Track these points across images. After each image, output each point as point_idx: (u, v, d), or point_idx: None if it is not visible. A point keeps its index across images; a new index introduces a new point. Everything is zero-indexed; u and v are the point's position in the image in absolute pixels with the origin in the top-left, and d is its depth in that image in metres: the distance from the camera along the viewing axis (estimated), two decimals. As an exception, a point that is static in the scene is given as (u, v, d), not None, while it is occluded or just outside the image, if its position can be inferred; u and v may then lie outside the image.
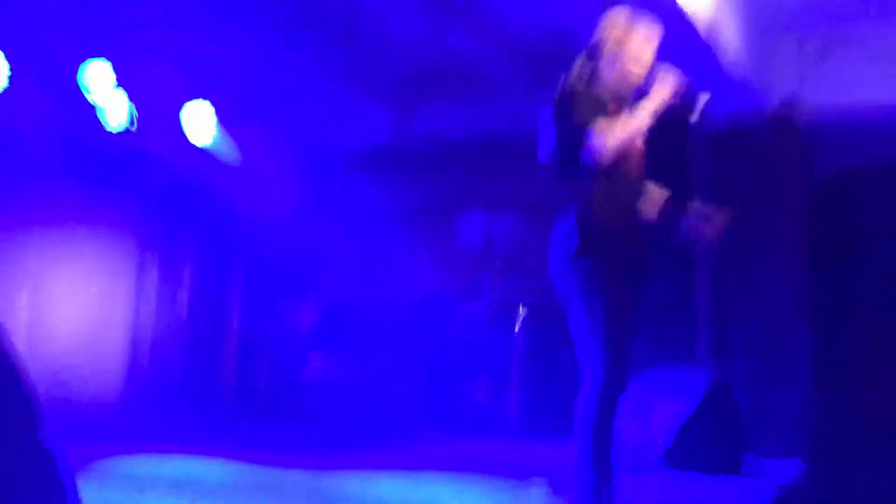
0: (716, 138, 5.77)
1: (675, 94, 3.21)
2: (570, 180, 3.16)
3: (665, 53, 3.59)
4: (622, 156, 3.13)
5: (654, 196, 3.33)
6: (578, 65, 3.32)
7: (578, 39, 3.55)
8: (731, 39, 5.43)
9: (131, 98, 6.42)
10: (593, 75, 3.28)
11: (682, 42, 4.83)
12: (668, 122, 3.35)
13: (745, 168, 6.24)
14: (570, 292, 3.09)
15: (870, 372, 5.13)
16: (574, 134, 3.08)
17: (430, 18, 6.04)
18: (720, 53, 5.40)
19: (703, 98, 3.31)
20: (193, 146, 7.13)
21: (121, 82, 6.29)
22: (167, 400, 7.11)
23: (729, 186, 5.74)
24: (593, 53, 3.32)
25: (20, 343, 2.57)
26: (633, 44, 3.31)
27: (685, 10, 4.73)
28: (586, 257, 3.07)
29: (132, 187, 7.06)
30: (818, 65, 6.26)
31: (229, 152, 7.44)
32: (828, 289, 5.40)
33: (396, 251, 7.81)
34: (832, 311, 5.46)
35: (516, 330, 6.38)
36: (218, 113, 7.18)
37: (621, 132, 3.08)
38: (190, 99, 6.93)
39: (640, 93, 3.27)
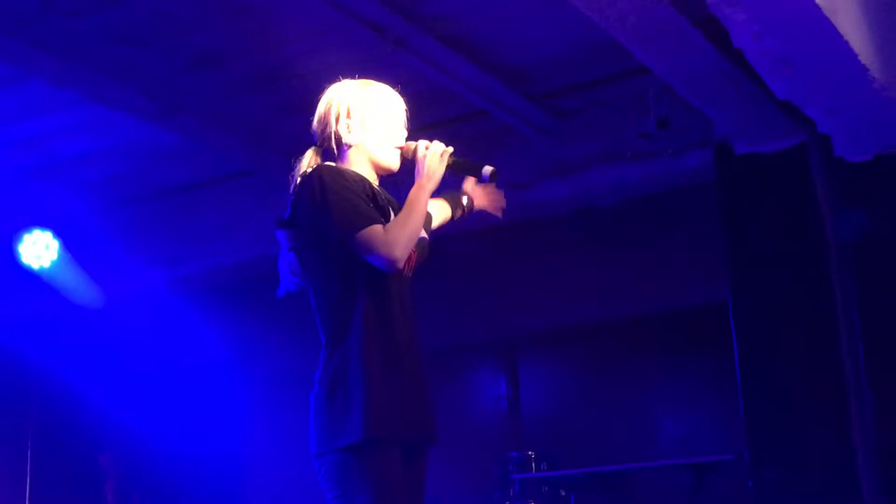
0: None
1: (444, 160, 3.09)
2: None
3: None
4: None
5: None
6: (309, 157, 3.15)
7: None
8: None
9: None
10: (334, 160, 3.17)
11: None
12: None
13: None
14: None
15: None
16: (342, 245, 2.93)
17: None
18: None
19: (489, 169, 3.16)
20: None
21: None
22: None
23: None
24: (323, 132, 3.16)
25: None
26: (381, 92, 3.21)
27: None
28: (370, 450, 2.86)
29: None
30: None
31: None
32: None
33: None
34: None
35: None
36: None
37: (405, 231, 2.94)
38: None
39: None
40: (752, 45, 4.41)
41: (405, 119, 3.21)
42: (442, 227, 3.63)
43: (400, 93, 3.34)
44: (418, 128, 3.50)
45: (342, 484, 2.82)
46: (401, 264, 2.90)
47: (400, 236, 2.90)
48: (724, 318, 5.56)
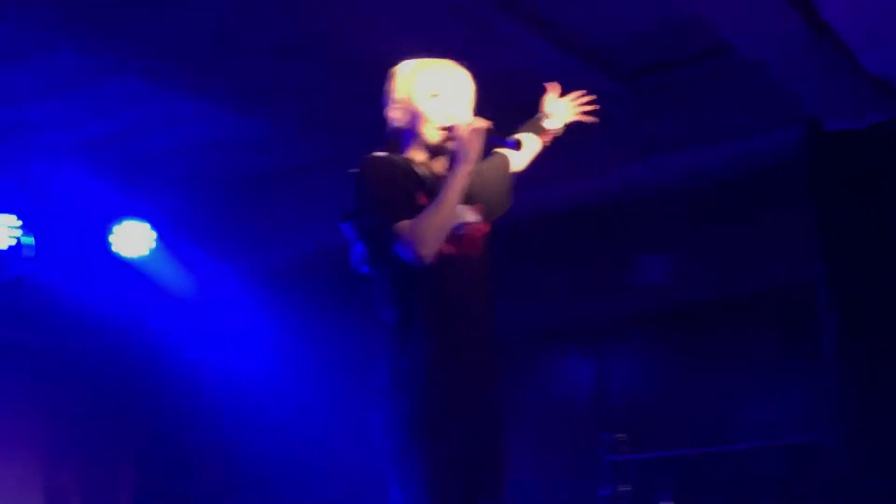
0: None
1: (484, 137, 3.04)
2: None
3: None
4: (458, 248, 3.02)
5: None
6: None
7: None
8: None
9: None
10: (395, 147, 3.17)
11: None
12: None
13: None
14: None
15: None
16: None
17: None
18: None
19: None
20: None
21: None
22: None
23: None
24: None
25: None
26: (430, 71, 3.17)
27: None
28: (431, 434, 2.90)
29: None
30: None
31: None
32: None
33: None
34: None
35: None
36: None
37: (431, 225, 2.89)
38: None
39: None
40: (842, 18, 4.33)
41: (465, 96, 3.16)
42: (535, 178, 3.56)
43: (480, 75, 3.30)
44: (500, 110, 3.49)
45: (402, 463, 2.87)
46: (428, 259, 2.88)
47: (425, 231, 2.88)
48: (815, 298, 5.46)
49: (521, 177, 3.71)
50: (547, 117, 3.40)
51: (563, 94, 3.48)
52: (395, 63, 3.27)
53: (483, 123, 3.03)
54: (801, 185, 5.55)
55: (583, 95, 3.49)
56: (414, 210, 2.91)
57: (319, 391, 7.53)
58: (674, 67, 5.81)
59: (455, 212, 2.96)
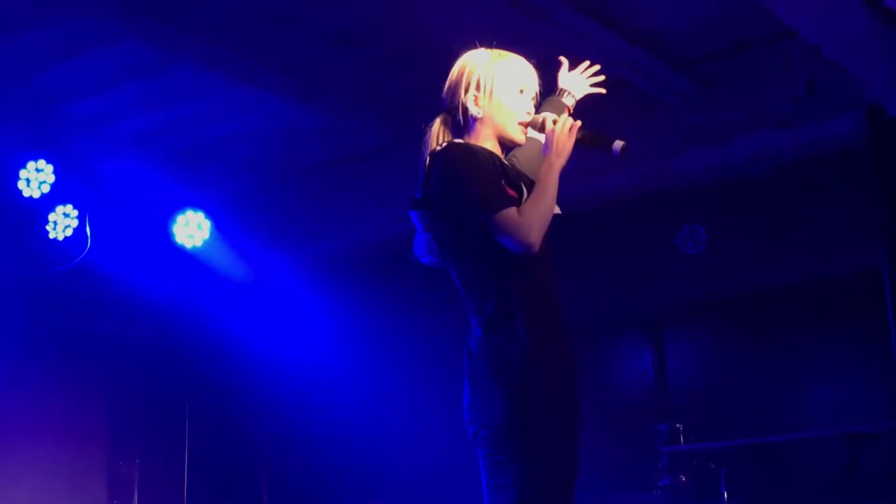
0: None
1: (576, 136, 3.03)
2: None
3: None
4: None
5: None
6: (437, 128, 3.11)
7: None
8: None
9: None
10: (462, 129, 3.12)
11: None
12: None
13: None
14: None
15: None
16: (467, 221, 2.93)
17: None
18: None
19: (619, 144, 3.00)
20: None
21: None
22: None
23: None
24: (452, 100, 3.12)
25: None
26: (513, 64, 3.13)
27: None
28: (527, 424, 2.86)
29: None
30: None
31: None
32: None
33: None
34: None
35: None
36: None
37: (539, 213, 2.90)
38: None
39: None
40: (904, 1, 4.26)
41: (537, 93, 3.12)
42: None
43: (537, 65, 3.27)
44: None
45: (499, 453, 2.84)
46: (536, 248, 2.86)
47: (535, 219, 2.87)
48: (876, 285, 5.36)
49: (581, 165, 3.67)
50: (563, 94, 3.33)
51: (575, 66, 3.39)
52: (451, 52, 3.23)
53: (576, 122, 3.01)
54: (863, 171, 5.46)
55: (591, 66, 3.40)
56: (508, 200, 2.88)
57: (376, 379, 7.55)
58: (733, 54, 5.73)
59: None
